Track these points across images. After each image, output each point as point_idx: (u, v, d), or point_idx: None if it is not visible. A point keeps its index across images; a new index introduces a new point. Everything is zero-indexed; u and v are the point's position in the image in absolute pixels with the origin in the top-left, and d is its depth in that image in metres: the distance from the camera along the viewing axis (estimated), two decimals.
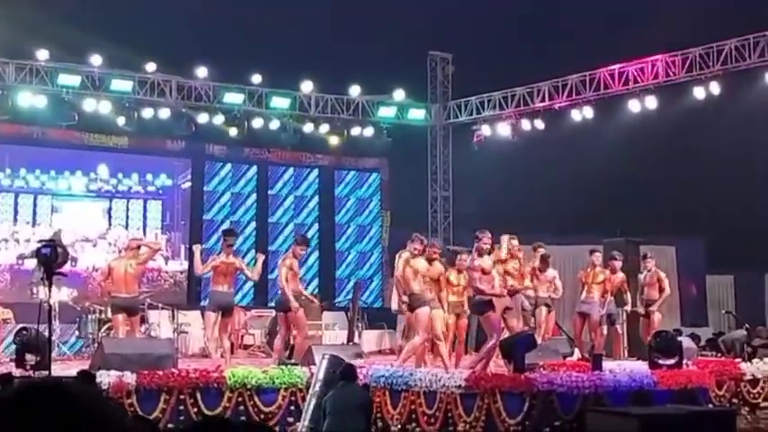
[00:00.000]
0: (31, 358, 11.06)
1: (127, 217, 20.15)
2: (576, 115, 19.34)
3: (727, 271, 21.22)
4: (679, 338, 13.10)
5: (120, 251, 13.69)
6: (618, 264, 14.85)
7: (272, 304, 15.18)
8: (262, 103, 19.47)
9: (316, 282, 21.12)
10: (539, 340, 12.73)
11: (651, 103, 18.10)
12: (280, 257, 14.28)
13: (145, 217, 20.35)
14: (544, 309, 14.30)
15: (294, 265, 13.07)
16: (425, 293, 11.93)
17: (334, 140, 20.46)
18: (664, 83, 17.90)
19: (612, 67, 18.51)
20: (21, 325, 13.29)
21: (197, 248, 13.80)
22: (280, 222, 21.39)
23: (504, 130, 20.58)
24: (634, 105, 18.40)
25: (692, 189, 18.30)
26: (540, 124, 20.00)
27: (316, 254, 21.42)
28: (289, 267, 13.00)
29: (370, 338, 17.78)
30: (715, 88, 17.08)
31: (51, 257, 8.60)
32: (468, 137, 21.14)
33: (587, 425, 9.80)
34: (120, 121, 18.44)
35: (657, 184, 18.41)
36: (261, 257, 14.39)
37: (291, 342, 13.29)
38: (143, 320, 14.93)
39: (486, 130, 20.73)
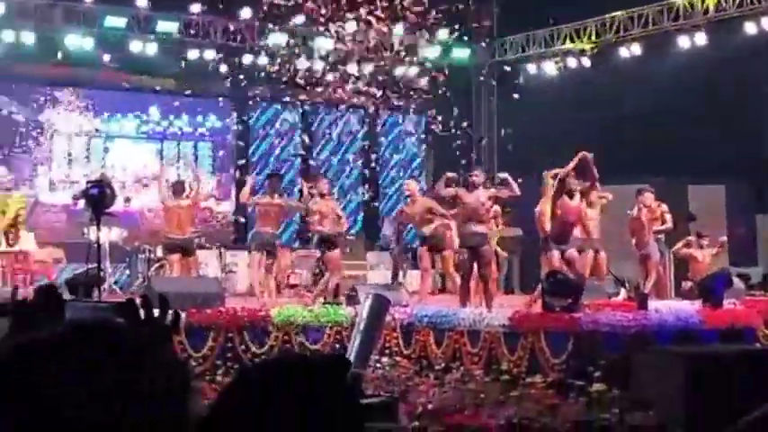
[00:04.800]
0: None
1: (178, 158, 20.36)
2: (623, 53, 19.07)
3: None
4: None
5: (174, 192, 13.81)
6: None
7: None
8: (306, 44, 19.40)
9: (360, 222, 21.21)
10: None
11: (701, 39, 17.77)
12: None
13: (195, 158, 20.55)
14: (590, 251, 14.16)
15: (322, 208, 13.10)
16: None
17: (377, 80, 20.36)
18: (714, 18, 17.54)
19: (661, 2, 18.16)
20: (71, 264, 13.56)
21: (251, 179, 14.08)
22: (324, 162, 21.43)
23: (550, 68, 20.37)
24: (683, 42, 18.09)
25: (742, 128, 17.98)
26: (586, 62, 19.76)
27: (359, 194, 21.51)
28: (315, 212, 13.06)
29: (415, 278, 17.83)
30: (767, 23, 16.70)
31: (99, 198, 8.72)
32: (514, 75, 20.95)
33: (633, 364, 9.79)
34: (166, 62, 18.52)
35: (706, 123, 18.10)
36: (305, 184, 14.48)
37: (338, 281, 13.44)
38: None
39: (531, 68, 20.52)
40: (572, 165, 12.47)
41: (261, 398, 1.43)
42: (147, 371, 1.33)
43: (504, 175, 12.69)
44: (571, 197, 12.01)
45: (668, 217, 14.61)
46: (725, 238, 15.92)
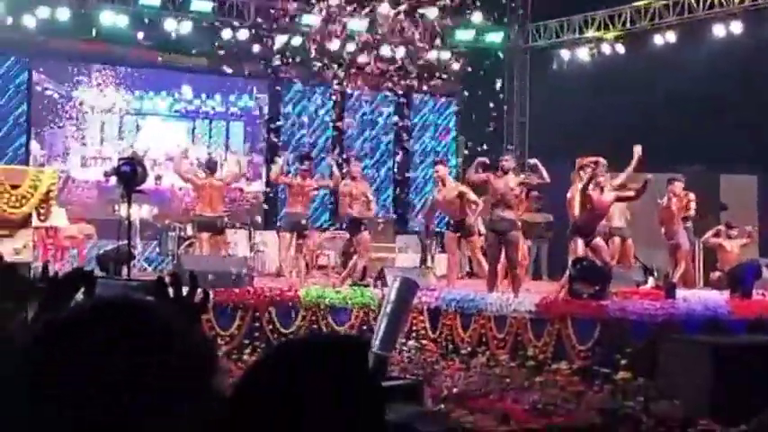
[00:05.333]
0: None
1: (210, 137, 20.46)
2: (658, 40, 18.92)
3: None
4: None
5: (207, 169, 13.92)
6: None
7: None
8: (340, 25, 19.38)
9: (390, 205, 21.24)
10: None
11: (736, 27, 17.60)
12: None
13: (227, 137, 20.65)
14: (617, 239, 14.12)
15: (352, 190, 13.11)
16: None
17: (409, 64, 20.32)
18: (750, 6, 17.36)
19: None
20: (101, 240, 13.68)
21: (282, 158, 14.15)
22: (354, 146, 21.45)
23: (583, 54, 20.25)
24: (719, 30, 17.92)
25: None
26: (620, 49, 19.63)
27: (390, 178, 21.54)
28: (346, 194, 13.08)
29: (443, 262, 17.84)
30: None
31: (131, 175, 8.79)
32: (547, 61, 20.85)
33: (660, 353, 9.76)
34: (200, 41, 18.61)
35: (741, 113, 17.93)
36: (332, 162, 14.52)
37: (365, 264, 13.47)
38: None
39: (565, 54, 20.43)
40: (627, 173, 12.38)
41: (287, 377, 1.45)
42: (174, 349, 1.36)
43: (534, 161, 12.62)
44: (602, 191, 11.94)
45: (693, 205, 14.55)
46: (752, 228, 15.80)
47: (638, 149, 12.33)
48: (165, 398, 1.32)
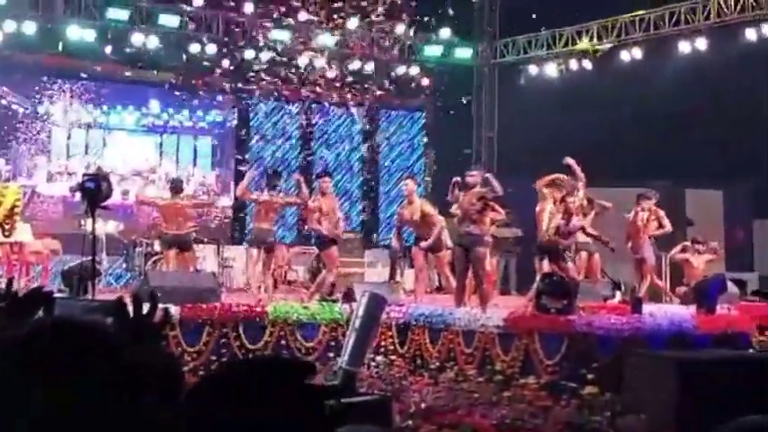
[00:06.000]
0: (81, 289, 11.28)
1: (177, 152, 20.36)
2: (624, 56, 19.10)
3: None
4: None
5: (171, 189, 13.82)
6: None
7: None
8: (308, 40, 19.42)
9: (359, 220, 21.24)
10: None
11: (702, 44, 17.80)
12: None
13: (195, 153, 20.56)
14: (584, 254, 14.21)
15: (321, 206, 13.07)
16: None
17: (379, 79, 20.39)
18: (715, 24, 17.57)
19: (663, 7, 18.18)
20: (66, 256, 13.56)
21: (249, 173, 14.12)
22: (322, 160, 21.42)
23: (551, 70, 20.40)
24: (684, 47, 18.11)
25: (742, 133, 17.99)
26: (588, 65, 19.79)
27: (359, 192, 21.56)
28: (315, 210, 13.04)
29: (412, 277, 17.84)
30: (767, 30, 16.73)
31: (95, 191, 8.74)
32: (515, 76, 20.97)
33: (626, 368, 9.81)
34: (168, 56, 18.55)
35: (706, 128, 18.14)
36: (300, 178, 14.52)
37: (333, 279, 13.44)
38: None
39: (533, 69, 20.57)
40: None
41: (230, 399, 1.44)
42: (121, 370, 1.35)
43: (487, 174, 12.67)
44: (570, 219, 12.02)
45: (665, 222, 14.68)
46: (716, 244, 15.94)
47: (568, 161, 12.44)
48: (109, 412, 1.31)
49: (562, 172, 12.72)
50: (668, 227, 14.65)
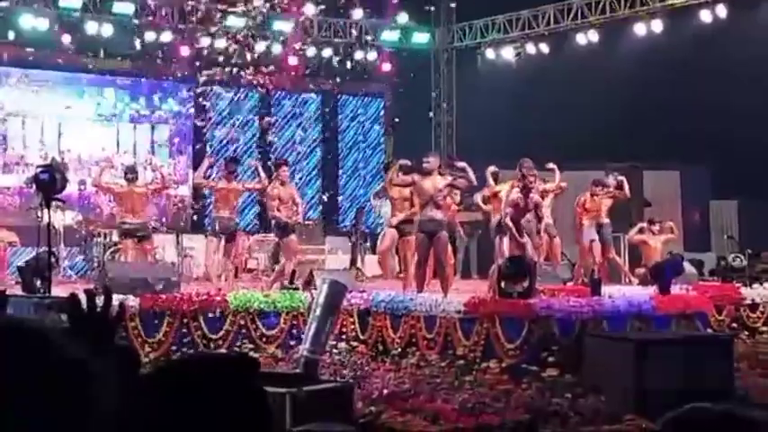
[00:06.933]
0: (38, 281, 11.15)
1: (135, 141, 20.17)
2: (581, 39, 19.20)
3: (733, 197, 21.18)
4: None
5: (127, 177, 13.69)
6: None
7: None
8: (264, 26, 19.30)
9: (318, 206, 21.21)
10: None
11: (657, 26, 17.93)
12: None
13: (152, 141, 20.38)
14: (545, 236, 14.30)
15: (280, 194, 13.02)
16: None
17: (336, 65, 20.33)
18: (670, 6, 17.70)
19: None
20: (24, 248, 13.42)
21: (207, 160, 14.05)
22: (281, 147, 21.35)
23: (508, 54, 20.45)
24: (640, 29, 18.24)
25: (699, 115, 18.15)
26: (545, 48, 19.87)
27: (318, 179, 21.51)
28: (274, 197, 12.98)
29: (373, 263, 17.85)
30: (722, 11, 16.88)
31: (49, 182, 8.64)
32: (472, 60, 21.01)
33: (585, 349, 9.89)
34: (122, 44, 18.36)
35: (663, 110, 18.28)
36: (257, 164, 14.48)
37: (294, 267, 13.40)
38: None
39: (490, 53, 20.61)
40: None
41: (170, 397, 1.43)
42: (58, 369, 1.32)
43: (463, 164, 12.66)
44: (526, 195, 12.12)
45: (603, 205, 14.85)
46: (672, 224, 16.11)
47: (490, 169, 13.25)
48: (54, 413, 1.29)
49: (519, 156, 12.81)
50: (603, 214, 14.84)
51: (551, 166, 13.99)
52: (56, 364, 1.31)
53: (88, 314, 2.11)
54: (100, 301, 2.15)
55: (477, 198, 14.31)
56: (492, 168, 13.68)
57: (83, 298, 2.11)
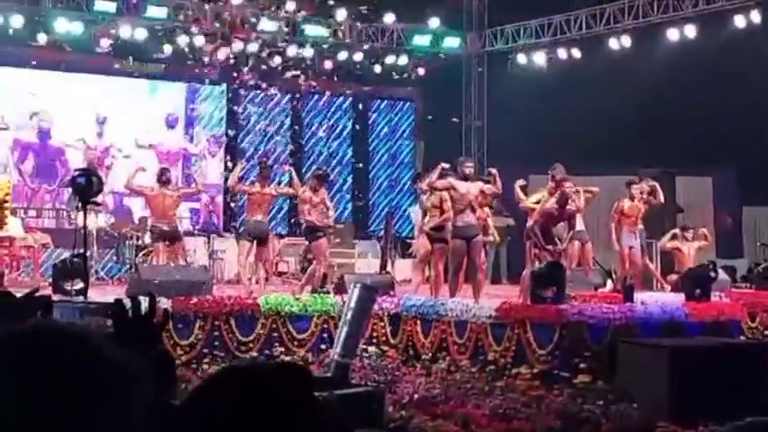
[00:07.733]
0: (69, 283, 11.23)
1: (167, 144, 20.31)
2: (613, 44, 19.11)
3: (764, 203, 21.00)
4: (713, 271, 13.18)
5: (160, 180, 13.69)
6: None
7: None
8: (296, 31, 19.37)
9: (349, 211, 21.23)
10: (568, 272, 12.70)
11: (690, 31, 17.82)
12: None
13: (185, 145, 20.51)
14: (576, 243, 14.20)
15: (312, 198, 13.04)
16: None
17: (368, 69, 20.36)
18: (704, 10, 17.58)
19: None
20: (58, 250, 13.52)
21: (240, 165, 14.09)
22: (313, 150, 21.41)
23: (540, 58, 20.40)
24: (673, 34, 18.13)
25: (731, 120, 18.02)
26: (576, 53, 19.80)
27: (349, 182, 21.55)
28: (306, 201, 13.00)
29: (403, 267, 17.86)
30: (756, 16, 16.75)
31: (86, 186, 8.71)
32: (503, 65, 20.97)
33: (617, 356, 9.84)
34: (156, 48, 18.46)
35: (695, 115, 18.15)
36: (291, 170, 14.54)
37: (324, 270, 13.42)
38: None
39: (521, 58, 20.57)
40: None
41: (227, 403, 1.44)
42: (100, 376, 1.33)
43: (494, 171, 12.63)
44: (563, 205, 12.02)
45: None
46: (705, 230, 15.96)
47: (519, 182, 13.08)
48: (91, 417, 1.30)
49: (550, 161, 12.77)
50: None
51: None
52: (96, 366, 1.33)
53: (133, 319, 2.14)
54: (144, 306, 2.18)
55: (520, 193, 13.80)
56: (520, 182, 13.37)
57: (127, 303, 2.14)
